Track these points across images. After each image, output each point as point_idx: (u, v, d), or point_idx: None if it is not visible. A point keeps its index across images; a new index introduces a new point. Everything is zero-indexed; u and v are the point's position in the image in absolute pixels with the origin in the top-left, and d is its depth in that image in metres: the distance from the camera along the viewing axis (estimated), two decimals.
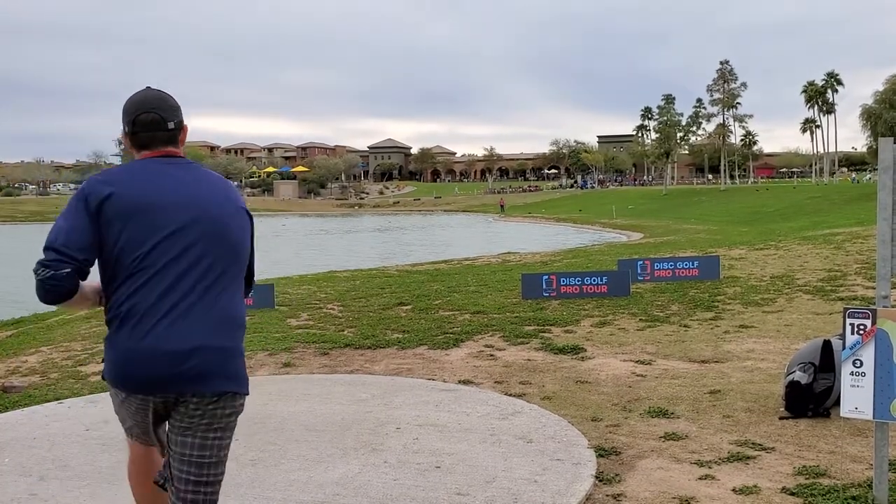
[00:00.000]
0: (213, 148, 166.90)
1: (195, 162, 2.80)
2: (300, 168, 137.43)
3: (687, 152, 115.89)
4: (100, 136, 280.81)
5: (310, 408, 5.80)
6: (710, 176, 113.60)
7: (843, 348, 3.76)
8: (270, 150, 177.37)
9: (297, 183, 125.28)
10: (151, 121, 2.66)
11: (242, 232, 2.71)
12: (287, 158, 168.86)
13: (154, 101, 2.70)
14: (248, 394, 2.74)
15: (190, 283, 2.55)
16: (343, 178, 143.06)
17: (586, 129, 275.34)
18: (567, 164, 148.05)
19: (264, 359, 7.68)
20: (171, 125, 2.70)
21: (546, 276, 11.32)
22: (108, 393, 6.06)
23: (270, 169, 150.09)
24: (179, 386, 2.54)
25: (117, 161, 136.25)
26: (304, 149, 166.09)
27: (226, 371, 2.59)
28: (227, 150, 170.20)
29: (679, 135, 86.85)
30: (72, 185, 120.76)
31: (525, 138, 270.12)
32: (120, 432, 4.89)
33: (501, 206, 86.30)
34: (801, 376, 5.44)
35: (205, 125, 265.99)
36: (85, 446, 5.05)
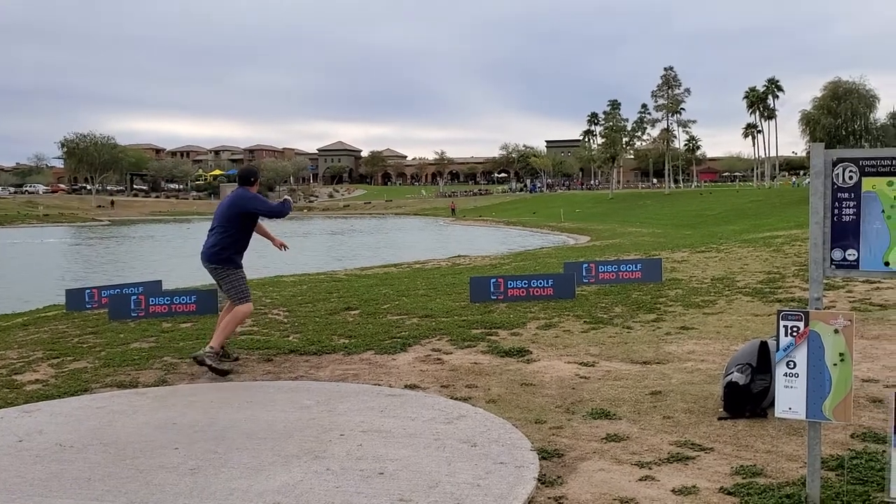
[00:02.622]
0: (158, 151, 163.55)
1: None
2: None
3: (632, 157, 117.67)
4: (42, 139, 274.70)
5: (252, 415, 5.73)
6: (655, 180, 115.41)
7: (777, 349, 3.81)
8: (217, 152, 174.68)
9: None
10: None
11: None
12: (234, 161, 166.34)
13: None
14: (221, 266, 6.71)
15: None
16: (291, 181, 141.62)
17: (535, 133, 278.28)
18: (516, 168, 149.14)
19: None
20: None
21: (494, 280, 11.38)
22: (42, 403, 6.28)
23: (217, 172, 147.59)
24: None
25: (59, 164, 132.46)
26: (251, 151, 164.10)
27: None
28: (173, 153, 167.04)
29: (625, 140, 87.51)
30: (11, 189, 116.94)
31: (476, 142, 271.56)
32: (53, 443, 5.15)
33: (452, 210, 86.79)
34: (738, 377, 5.51)
35: (150, 127, 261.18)
36: (17, 458, 4.90)
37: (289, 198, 8.06)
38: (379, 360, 7.56)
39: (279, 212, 7.59)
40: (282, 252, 8.51)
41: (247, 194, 7.56)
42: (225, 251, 7.44)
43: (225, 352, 7.84)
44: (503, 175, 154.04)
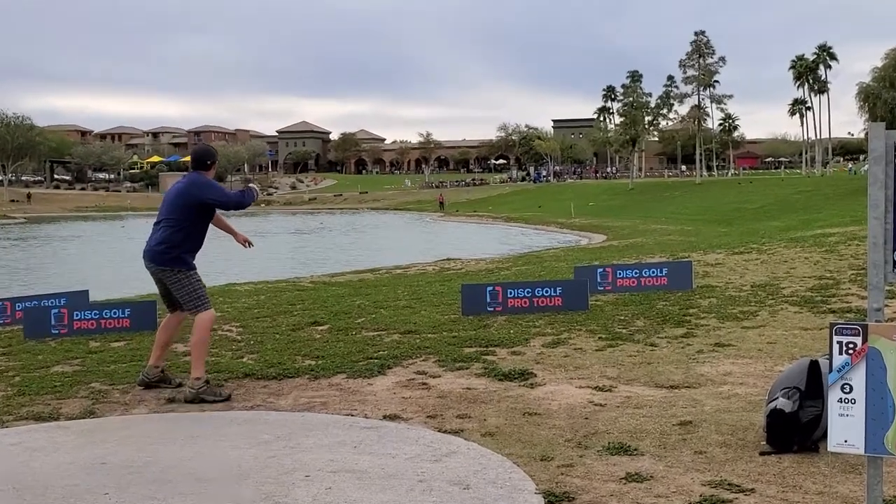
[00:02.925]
0: (84, 133, 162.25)
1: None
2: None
3: (656, 139, 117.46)
4: None
5: (199, 452, 5.71)
6: (684, 167, 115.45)
7: (830, 371, 3.82)
8: (156, 135, 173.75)
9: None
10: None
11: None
12: (176, 145, 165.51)
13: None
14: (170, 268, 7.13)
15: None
16: (246, 170, 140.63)
17: (540, 112, 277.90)
18: (517, 153, 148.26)
19: (142, 393, 7.54)
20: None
21: (491, 288, 11.46)
22: None
23: (155, 159, 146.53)
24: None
25: None
26: (197, 133, 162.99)
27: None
28: (102, 136, 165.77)
29: (647, 119, 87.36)
30: None
31: (468, 122, 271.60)
32: None
33: (440, 203, 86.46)
34: (784, 404, 5.52)
35: (73, 106, 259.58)
36: None
37: (254, 186, 7.91)
38: (352, 385, 7.60)
39: (240, 203, 7.52)
40: (246, 249, 8.33)
41: (201, 180, 7.44)
42: (174, 249, 7.33)
43: (165, 376, 7.79)
44: (501, 161, 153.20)
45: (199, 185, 7.36)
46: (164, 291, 7.67)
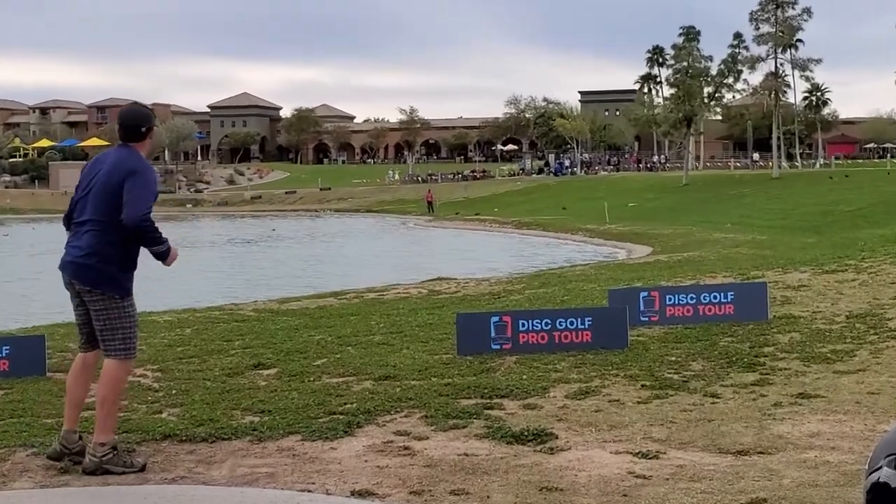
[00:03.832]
0: None
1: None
2: (94, 141, 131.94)
3: (719, 118, 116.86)
4: None
5: None
6: (756, 155, 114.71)
7: None
8: (44, 111, 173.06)
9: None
10: None
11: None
12: (73, 125, 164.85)
13: None
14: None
15: None
16: (168, 158, 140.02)
17: (562, 81, 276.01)
18: (532, 135, 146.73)
19: (27, 461, 7.45)
20: None
21: (496, 318, 11.42)
22: None
23: (44, 143, 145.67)
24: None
25: None
26: (101, 109, 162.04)
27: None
28: None
29: (707, 90, 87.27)
30: None
31: (466, 95, 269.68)
32: None
33: (429, 204, 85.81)
34: (891, 475, 5.66)
35: None
36: None
37: (176, 250, 7.58)
38: (309, 449, 7.60)
39: (156, 243, 7.16)
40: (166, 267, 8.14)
41: (129, 161, 7.23)
42: (107, 265, 7.20)
43: (64, 447, 7.44)
44: (511, 148, 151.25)
45: (124, 170, 7.15)
46: (82, 319, 7.50)
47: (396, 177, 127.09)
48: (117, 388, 7.38)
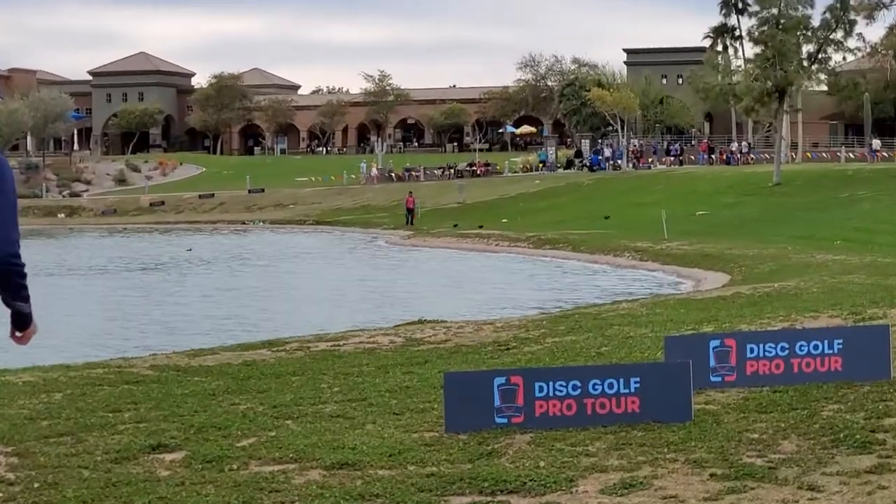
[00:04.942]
0: None
1: None
2: None
3: (825, 89, 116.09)
4: None
5: None
6: (878, 142, 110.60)
7: None
8: None
9: None
10: None
11: None
12: None
13: None
14: None
15: None
16: (31, 147, 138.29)
17: (601, 34, 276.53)
18: (558, 112, 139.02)
19: None
20: None
21: (503, 379, 11.30)
22: None
23: None
24: None
25: None
26: None
27: None
28: None
29: (807, 48, 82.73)
30: None
31: (461, 53, 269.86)
32: None
33: (409, 212, 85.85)
34: None
35: None
36: None
37: (35, 326, 7.11)
38: None
39: (19, 298, 7.00)
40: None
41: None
42: None
43: None
44: (527, 130, 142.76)
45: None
46: None
47: (374, 172, 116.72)
48: None
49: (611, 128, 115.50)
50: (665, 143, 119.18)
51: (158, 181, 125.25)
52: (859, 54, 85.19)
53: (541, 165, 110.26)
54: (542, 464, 9.60)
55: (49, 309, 33.08)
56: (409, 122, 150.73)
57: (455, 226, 77.05)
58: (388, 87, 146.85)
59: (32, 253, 62.67)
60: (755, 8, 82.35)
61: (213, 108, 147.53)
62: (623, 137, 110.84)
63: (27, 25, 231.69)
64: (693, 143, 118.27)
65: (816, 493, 8.61)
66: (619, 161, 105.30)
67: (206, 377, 15.31)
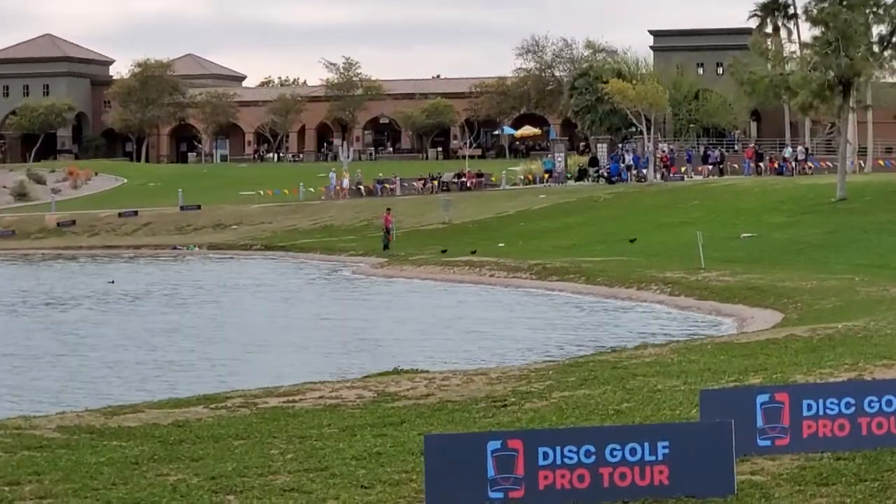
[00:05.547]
0: None
1: None
2: None
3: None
4: None
5: None
6: None
7: None
8: None
9: None
10: None
11: None
12: None
13: None
14: None
15: None
16: None
17: (622, 12, 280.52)
18: (569, 109, 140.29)
19: None
20: None
21: (498, 444, 11.48)
22: None
23: None
24: None
25: None
26: None
27: None
28: None
29: (878, 30, 76.97)
30: None
31: (446, 36, 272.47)
32: None
33: (386, 233, 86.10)
34: None
35: None
36: None
37: None
38: None
39: None
40: None
41: None
42: None
43: None
44: (529, 132, 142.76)
45: None
46: None
47: (345, 183, 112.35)
48: None
49: (634, 129, 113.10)
50: (702, 149, 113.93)
51: (68, 195, 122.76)
52: None
53: (546, 176, 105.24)
54: None
55: None
56: (382, 121, 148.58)
57: (444, 252, 73.16)
58: (355, 79, 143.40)
59: None
60: None
61: (137, 103, 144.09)
62: (649, 141, 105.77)
63: None
64: (736, 148, 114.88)
65: None
66: (645, 170, 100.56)
67: (127, 441, 14.94)
